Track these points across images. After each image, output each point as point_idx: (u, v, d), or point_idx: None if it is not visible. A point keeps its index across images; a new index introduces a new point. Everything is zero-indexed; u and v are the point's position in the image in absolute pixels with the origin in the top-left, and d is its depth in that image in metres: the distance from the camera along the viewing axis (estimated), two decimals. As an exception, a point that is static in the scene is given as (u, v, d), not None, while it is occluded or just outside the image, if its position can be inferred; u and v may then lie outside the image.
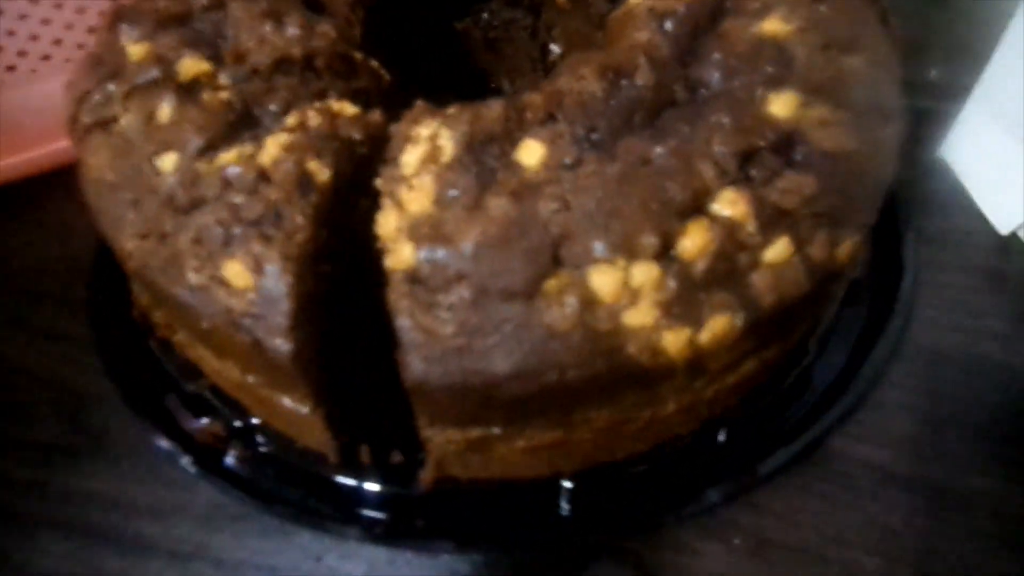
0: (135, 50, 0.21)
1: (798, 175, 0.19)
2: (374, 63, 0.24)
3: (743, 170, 0.19)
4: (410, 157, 0.19)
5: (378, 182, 0.19)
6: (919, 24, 0.35)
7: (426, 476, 0.22)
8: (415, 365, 0.18)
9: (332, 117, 0.21)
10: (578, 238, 0.18)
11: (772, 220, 0.19)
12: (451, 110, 0.21)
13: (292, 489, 0.24)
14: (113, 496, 0.26)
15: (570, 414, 0.20)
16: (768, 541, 0.25)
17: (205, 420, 0.25)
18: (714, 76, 0.21)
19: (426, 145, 0.20)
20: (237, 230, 0.19)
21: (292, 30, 0.22)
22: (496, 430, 0.20)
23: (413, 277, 0.18)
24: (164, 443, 0.25)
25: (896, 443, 0.26)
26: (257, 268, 0.19)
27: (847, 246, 0.20)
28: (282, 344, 0.19)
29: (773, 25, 0.21)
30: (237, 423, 0.25)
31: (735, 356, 0.20)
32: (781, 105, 0.20)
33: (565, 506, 0.24)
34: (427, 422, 0.20)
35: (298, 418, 0.23)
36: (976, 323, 0.29)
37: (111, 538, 0.26)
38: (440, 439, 0.20)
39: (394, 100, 0.24)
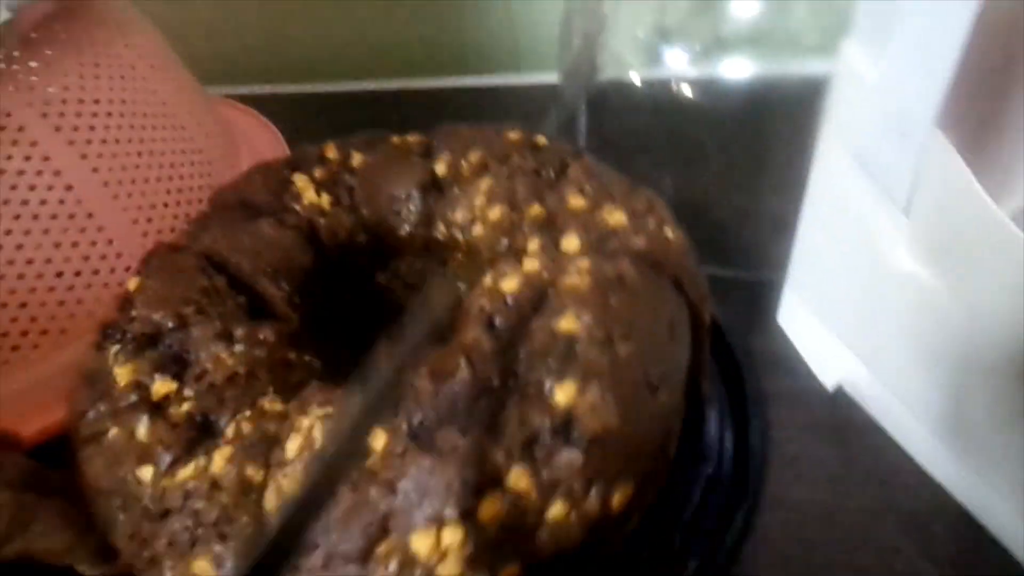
0: (121, 373, 0.29)
1: (571, 452, 0.26)
2: (306, 356, 0.32)
3: (528, 451, 0.26)
4: (292, 444, 0.27)
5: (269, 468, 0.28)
6: (751, 202, 0.42)
7: None
8: None
9: (260, 419, 0.28)
10: (401, 513, 0.25)
11: (550, 489, 0.26)
12: (331, 401, 0.29)
13: None
14: None
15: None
16: None
17: None
18: (521, 368, 0.28)
19: (304, 435, 0.27)
20: (200, 531, 0.26)
21: (239, 346, 0.30)
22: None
23: None
24: None
25: None
26: (219, 564, 0.26)
27: (619, 497, 0.27)
28: None
29: (567, 322, 0.29)
30: None
31: None
32: (563, 394, 0.27)
33: None
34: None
35: None
36: (813, 472, 0.35)
37: None
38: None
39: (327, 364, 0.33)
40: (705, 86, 0.46)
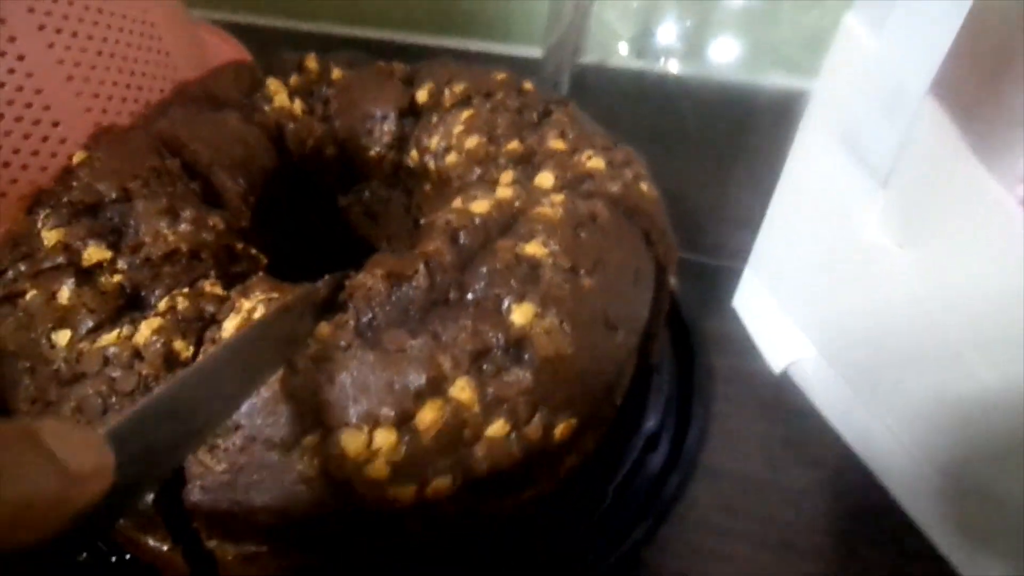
0: (49, 236, 0.27)
1: (520, 372, 0.25)
2: (253, 250, 0.30)
3: (476, 364, 0.25)
4: (230, 323, 0.25)
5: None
6: (721, 193, 0.43)
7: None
8: (193, 492, 0.23)
9: (198, 298, 0.27)
10: (335, 407, 0.24)
11: (493, 405, 0.25)
12: (277, 289, 0.27)
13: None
14: None
15: (323, 541, 0.25)
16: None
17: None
18: (480, 284, 0.27)
19: (244, 315, 0.26)
20: (113, 400, 0.24)
21: (185, 225, 0.29)
22: (264, 548, 0.25)
23: None
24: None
25: (690, 552, 0.32)
26: None
27: (562, 428, 0.26)
28: None
29: (534, 247, 0.28)
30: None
31: (464, 506, 0.25)
32: (520, 314, 0.26)
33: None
34: (207, 536, 0.25)
35: (160, 554, 0.27)
36: (752, 448, 0.36)
37: None
38: (219, 551, 0.25)
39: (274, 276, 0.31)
40: (689, 79, 0.47)
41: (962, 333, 0.26)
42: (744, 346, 0.39)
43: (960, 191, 0.24)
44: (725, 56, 0.44)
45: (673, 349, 0.38)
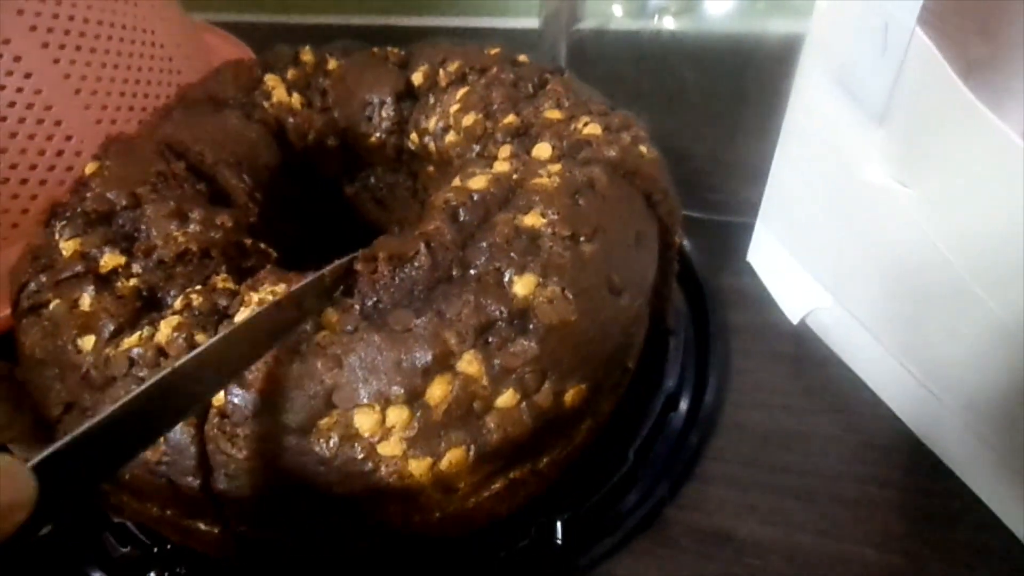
0: (66, 247, 0.28)
1: (525, 342, 0.26)
2: (261, 244, 0.31)
3: (482, 337, 0.25)
4: (240, 317, 0.26)
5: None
6: (727, 148, 0.42)
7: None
8: (219, 480, 0.24)
9: (211, 294, 0.27)
10: (346, 388, 0.25)
11: (501, 376, 0.25)
12: (285, 280, 0.28)
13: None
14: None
15: (346, 522, 0.26)
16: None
17: (128, 548, 0.31)
18: (481, 259, 0.27)
19: (253, 308, 0.26)
20: None
21: (194, 226, 0.29)
22: (290, 533, 0.26)
23: (222, 413, 0.25)
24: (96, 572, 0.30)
25: (713, 506, 0.32)
26: None
27: (572, 394, 0.26)
28: (192, 480, 0.25)
29: (532, 218, 0.28)
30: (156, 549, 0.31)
31: (480, 477, 0.26)
32: (522, 286, 0.26)
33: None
34: (235, 523, 0.26)
35: (212, 538, 0.28)
36: (774, 400, 0.36)
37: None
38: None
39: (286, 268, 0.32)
40: (685, 34, 0.46)
41: (973, 270, 0.25)
42: (761, 300, 0.39)
43: (957, 125, 0.24)
44: (720, 7, 0.43)
45: (689, 308, 0.38)
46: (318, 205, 0.38)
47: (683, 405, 0.34)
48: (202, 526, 0.28)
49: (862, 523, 0.31)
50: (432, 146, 0.35)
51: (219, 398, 0.25)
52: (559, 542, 0.31)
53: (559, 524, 0.31)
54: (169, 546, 0.31)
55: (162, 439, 0.25)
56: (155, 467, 0.25)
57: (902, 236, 0.28)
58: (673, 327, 0.37)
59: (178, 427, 0.25)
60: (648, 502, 0.32)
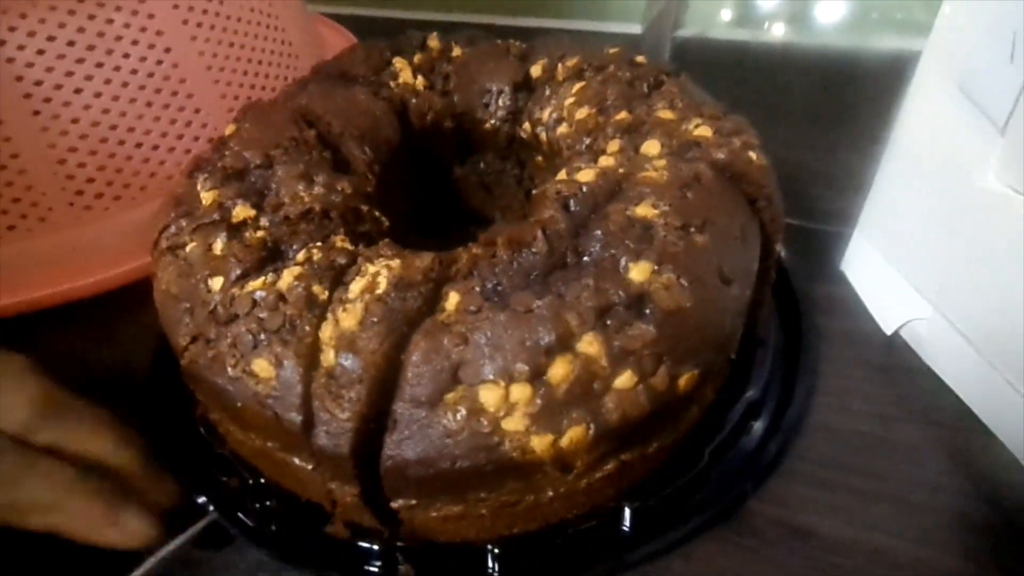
0: (207, 196, 0.31)
1: (644, 326, 0.27)
2: (376, 212, 0.33)
3: (601, 320, 0.27)
4: (355, 285, 0.28)
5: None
6: (823, 159, 0.42)
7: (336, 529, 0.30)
8: (319, 436, 0.26)
9: (330, 251, 0.29)
10: (472, 364, 0.26)
11: (620, 358, 0.26)
12: (400, 256, 0.29)
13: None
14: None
15: (465, 494, 0.27)
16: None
17: (228, 478, 0.33)
18: (595, 246, 0.28)
19: (369, 279, 0.28)
20: (263, 337, 0.27)
21: (318, 188, 0.31)
22: (412, 501, 0.28)
23: (330, 374, 0.26)
24: (201, 498, 0.32)
25: (797, 503, 0.33)
26: (278, 364, 0.27)
27: (686, 379, 0.27)
28: (295, 416, 0.26)
29: (644, 209, 0.29)
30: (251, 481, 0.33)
31: (595, 457, 0.27)
32: (638, 272, 0.27)
33: (493, 565, 0.30)
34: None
35: (305, 475, 0.30)
36: (863, 406, 0.36)
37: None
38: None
39: (395, 238, 0.34)
40: (793, 46, 0.47)
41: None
42: (852, 309, 0.39)
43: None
44: (832, 16, 0.44)
45: (779, 314, 0.38)
46: (428, 183, 0.40)
47: (767, 409, 0.35)
48: (297, 461, 0.29)
49: (944, 530, 0.31)
50: (543, 136, 0.37)
51: (328, 358, 0.26)
52: (626, 528, 0.31)
53: (627, 511, 0.31)
54: (263, 479, 0.33)
55: (273, 375, 0.27)
56: (264, 400, 0.27)
57: (1017, 245, 0.28)
58: (764, 337, 0.37)
59: (288, 364, 0.26)
60: (726, 496, 0.32)
